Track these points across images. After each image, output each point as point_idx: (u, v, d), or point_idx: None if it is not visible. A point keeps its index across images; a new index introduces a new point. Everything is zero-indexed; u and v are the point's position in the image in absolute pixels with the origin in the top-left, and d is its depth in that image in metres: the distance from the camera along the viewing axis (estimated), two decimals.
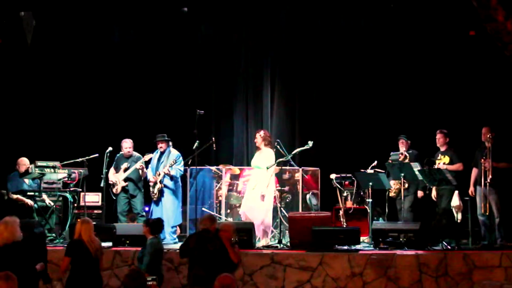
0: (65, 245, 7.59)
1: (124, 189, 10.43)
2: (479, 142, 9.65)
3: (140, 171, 10.40)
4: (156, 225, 8.04)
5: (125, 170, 10.39)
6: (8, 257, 6.43)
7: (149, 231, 7.92)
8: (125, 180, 10.41)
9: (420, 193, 10.17)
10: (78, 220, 7.64)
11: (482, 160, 9.38)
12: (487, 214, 9.33)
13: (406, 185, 10.05)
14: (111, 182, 10.49)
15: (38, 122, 12.12)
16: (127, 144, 10.55)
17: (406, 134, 10.54)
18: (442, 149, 9.98)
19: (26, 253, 6.74)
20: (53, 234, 10.07)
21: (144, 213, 10.49)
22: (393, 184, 10.17)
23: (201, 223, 7.58)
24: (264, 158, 10.02)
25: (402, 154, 10.28)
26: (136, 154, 10.56)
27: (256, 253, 8.96)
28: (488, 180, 9.23)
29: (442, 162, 9.84)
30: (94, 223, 9.84)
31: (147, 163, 10.42)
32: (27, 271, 6.46)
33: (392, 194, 10.24)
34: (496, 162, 9.29)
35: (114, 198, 10.49)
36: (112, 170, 10.55)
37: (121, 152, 10.61)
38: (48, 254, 7.50)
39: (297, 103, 12.22)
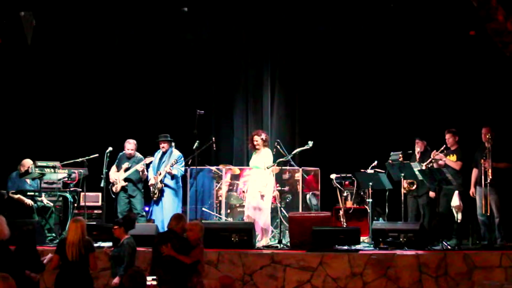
0: None
1: (124, 189, 10.42)
2: (479, 142, 9.65)
3: (141, 173, 10.39)
4: (129, 222, 7.46)
5: (126, 170, 10.39)
6: None
7: (124, 231, 7.33)
8: (125, 180, 10.40)
9: (432, 194, 9.92)
10: None
11: (482, 160, 9.36)
12: (487, 214, 9.32)
13: (414, 187, 10.00)
14: (112, 181, 10.49)
15: (38, 122, 12.13)
16: (130, 145, 10.52)
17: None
18: (452, 148, 9.89)
19: (13, 252, 6.75)
20: (53, 234, 10.09)
21: (144, 213, 10.49)
22: (406, 183, 10.01)
23: (168, 223, 7.42)
24: (263, 158, 10.00)
25: (418, 153, 10.19)
26: (139, 155, 10.55)
27: (256, 253, 8.95)
28: (488, 180, 9.22)
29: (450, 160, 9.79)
30: (94, 223, 9.95)
31: (148, 165, 10.41)
32: (15, 270, 6.43)
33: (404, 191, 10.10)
34: (496, 162, 9.28)
35: (114, 196, 10.49)
36: (113, 168, 10.53)
37: (124, 151, 10.61)
38: (46, 254, 7.43)
39: (297, 103, 12.24)
